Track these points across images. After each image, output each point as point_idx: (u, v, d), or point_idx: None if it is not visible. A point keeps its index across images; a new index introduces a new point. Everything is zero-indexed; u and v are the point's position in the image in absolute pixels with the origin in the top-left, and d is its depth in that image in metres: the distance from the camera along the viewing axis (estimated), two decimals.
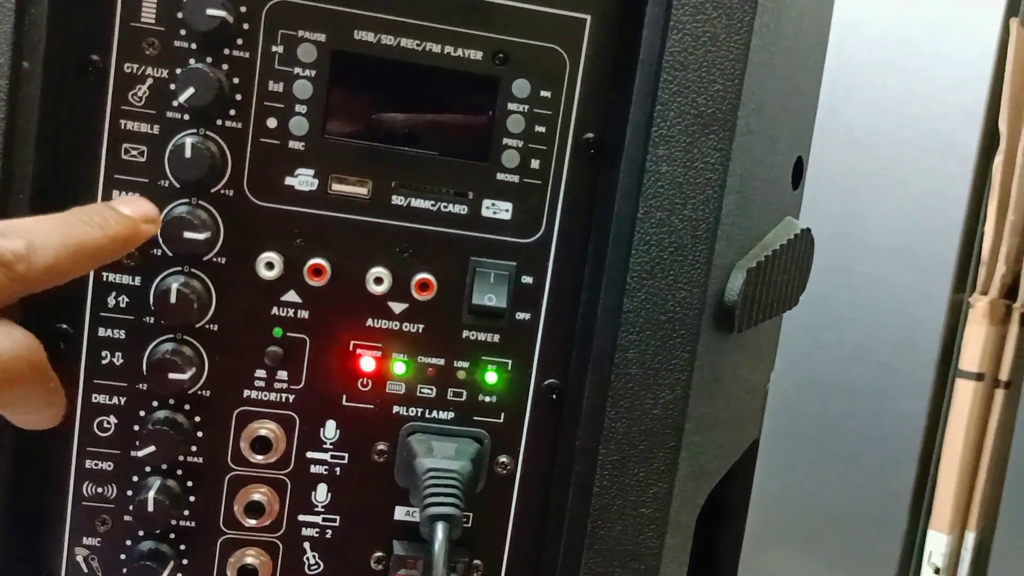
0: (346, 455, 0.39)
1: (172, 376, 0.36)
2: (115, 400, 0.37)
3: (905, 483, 1.08)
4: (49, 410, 0.33)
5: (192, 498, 0.38)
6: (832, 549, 1.11)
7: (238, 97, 0.36)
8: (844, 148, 1.07)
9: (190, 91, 0.35)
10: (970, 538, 1.08)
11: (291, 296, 0.38)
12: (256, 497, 0.38)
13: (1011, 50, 1.01)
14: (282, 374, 0.38)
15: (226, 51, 0.36)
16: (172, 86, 0.36)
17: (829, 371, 1.10)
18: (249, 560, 0.39)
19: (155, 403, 0.37)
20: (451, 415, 0.39)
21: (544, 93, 0.38)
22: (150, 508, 0.36)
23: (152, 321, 0.37)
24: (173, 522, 0.38)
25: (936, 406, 1.07)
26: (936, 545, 1.07)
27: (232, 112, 0.36)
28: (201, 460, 0.38)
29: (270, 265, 0.37)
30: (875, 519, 1.09)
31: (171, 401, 0.37)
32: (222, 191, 0.36)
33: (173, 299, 0.36)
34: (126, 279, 0.37)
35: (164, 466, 0.38)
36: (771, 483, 1.12)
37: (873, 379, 1.08)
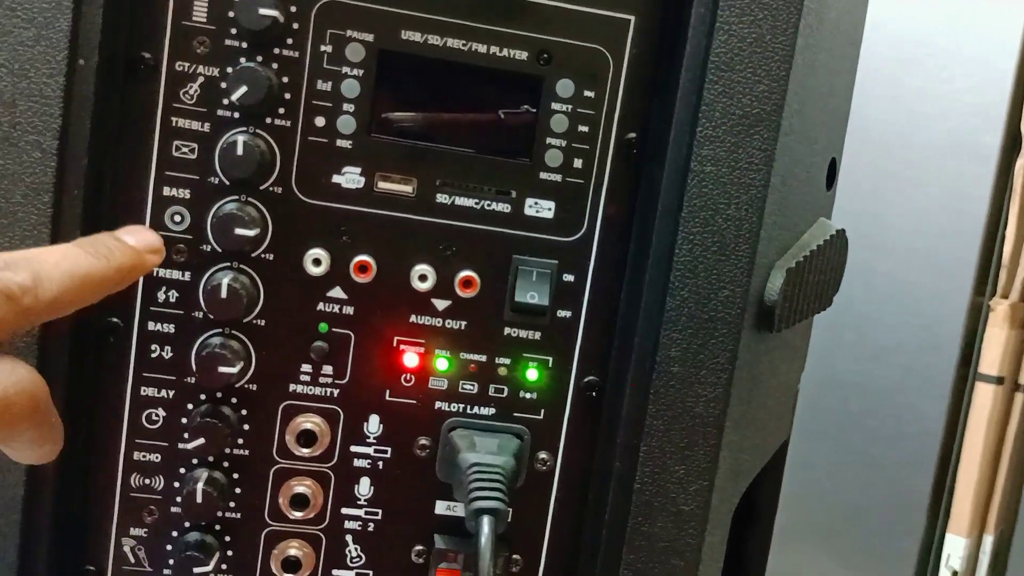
0: (389, 449, 0.39)
1: (221, 370, 0.37)
2: (163, 393, 0.38)
3: (924, 485, 1.07)
4: (47, 446, 0.33)
5: (238, 490, 0.39)
6: (850, 549, 1.11)
7: (287, 96, 0.37)
8: (865, 149, 1.07)
9: (243, 89, 0.35)
10: (988, 542, 1.08)
11: (337, 292, 0.38)
12: (300, 490, 0.39)
13: None
14: (327, 369, 0.39)
15: (276, 50, 0.36)
16: (223, 84, 0.36)
17: (849, 371, 1.10)
18: (293, 552, 0.39)
19: (203, 396, 0.38)
20: (492, 411, 0.40)
21: (588, 93, 0.38)
22: (199, 499, 0.37)
23: (201, 316, 0.37)
24: (219, 514, 0.39)
25: (956, 409, 1.07)
26: (954, 548, 1.07)
27: (281, 111, 0.37)
28: (247, 453, 0.39)
29: (317, 261, 0.37)
30: (893, 520, 1.09)
31: (218, 395, 0.38)
32: (271, 188, 0.37)
33: (224, 294, 0.36)
34: (176, 274, 0.37)
35: (211, 458, 0.38)
36: (790, 482, 1.12)
37: (893, 380, 1.08)
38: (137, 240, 0.34)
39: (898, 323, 1.08)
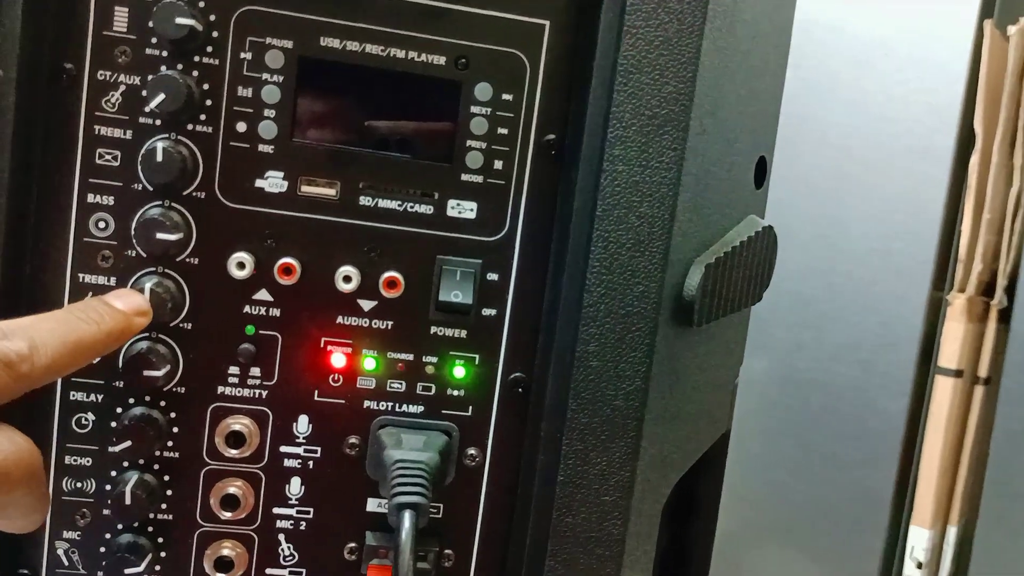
0: (319, 449, 0.40)
1: (147, 373, 0.37)
2: (92, 397, 0.38)
3: (887, 479, 1.09)
4: (35, 515, 0.34)
5: (169, 492, 0.39)
6: (815, 545, 1.12)
7: (208, 102, 0.37)
8: (822, 150, 1.09)
9: (160, 97, 0.36)
10: (952, 532, 1.10)
11: (262, 295, 0.39)
12: (231, 491, 0.39)
13: (985, 52, 1.03)
14: (255, 371, 0.39)
15: (196, 58, 0.37)
16: (144, 92, 0.37)
17: (810, 369, 1.11)
18: (225, 552, 0.40)
19: (131, 400, 0.38)
20: (420, 409, 0.40)
21: (506, 96, 0.39)
22: (128, 501, 0.38)
23: None
24: (151, 515, 0.39)
25: (916, 403, 1.09)
26: (918, 540, 1.08)
27: (202, 117, 0.37)
28: (177, 455, 0.39)
29: (241, 265, 0.38)
30: (857, 515, 1.10)
31: (147, 398, 0.39)
32: (194, 193, 0.38)
33: (147, 298, 0.37)
34: (101, 280, 0.38)
35: (141, 461, 0.39)
36: (754, 480, 1.13)
37: (854, 377, 1.10)
38: (125, 304, 0.36)
39: (858, 321, 1.10)
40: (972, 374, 1.09)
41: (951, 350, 1.07)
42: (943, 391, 1.08)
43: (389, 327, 0.40)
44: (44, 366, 0.32)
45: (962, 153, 1.06)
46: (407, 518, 0.35)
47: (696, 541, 0.57)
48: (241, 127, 0.38)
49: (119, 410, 0.38)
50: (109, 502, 0.38)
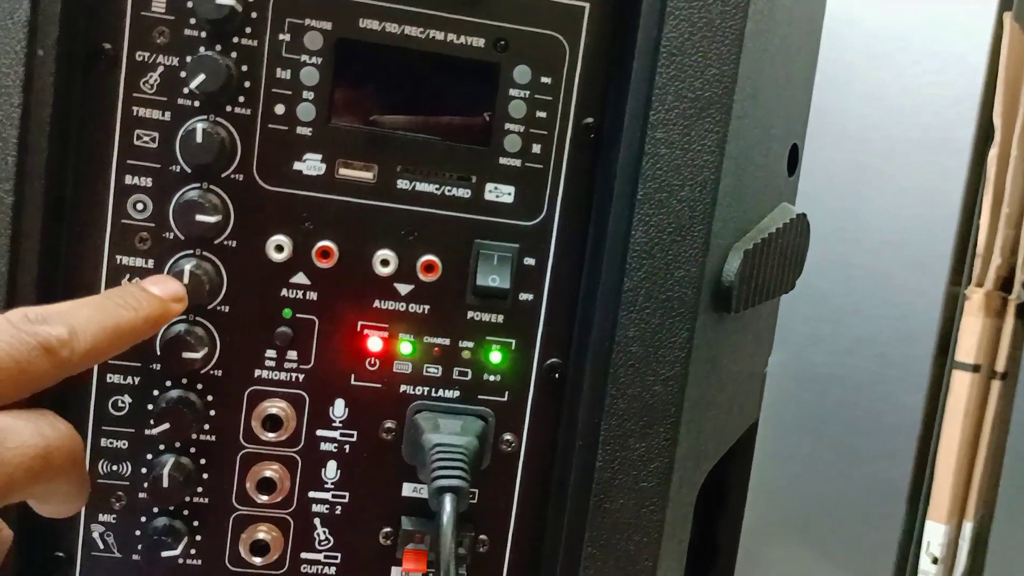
0: (355, 433, 0.40)
1: (185, 355, 0.37)
2: (129, 380, 0.38)
3: (903, 474, 1.09)
4: (75, 502, 0.34)
5: (205, 475, 0.39)
6: (830, 540, 1.12)
7: (247, 84, 0.37)
8: (840, 143, 1.08)
9: (201, 77, 0.36)
10: (968, 528, 1.09)
11: (300, 278, 0.39)
12: (267, 474, 0.39)
13: (1004, 44, 1.02)
14: (292, 354, 0.39)
15: (235, 39, 0.37)
16: (183, 73, 0.37)
17: (827, 363, 1.11)
18: (261, 536, 0.40)
19: (168, 383, 0.38)
20: (456, 394, 0.40)
21: (544, 79, 0.39)
22: (165, 484, 0.37)
23: None
24: (187, 499, 0.39)
25: (933, 397, 1.08)
26: (934, 535, 1.08)
27: (241, 99, 0.37)
28: (213, 438, 0.39)
29: (279, 248, 0.38)
30: (873, 510, 1.10)
31: (184, 380, 0.38)
32: (232, 176, 0.38)
33: (186, 281, 0.37)
34: (139, 262, 0.38)
35: (177, 444, 0.39)
36: (769, 475, 1.13)
37: (870, 371, 1.09)
38: (162, 290, 0.36)
39: (875, 315, 1.09)
40: (989, 369, 1.09)
41: (968, 345, 1.07)
42: (960, 386, 1.07)
43: (426, 311, 0.40)
44: (83, 351, 0.32)
45: (980, 147, 1.06)
46: (448, 502, 0.35)
47: (723, 532, 0.57)
48: (279, 109, 0.37)
49: (156, 392, 0.38)
50: (146, 485, 0.38)
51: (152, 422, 0.38)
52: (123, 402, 0.38)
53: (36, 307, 0.32)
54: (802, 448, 1.12)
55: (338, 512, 0.40)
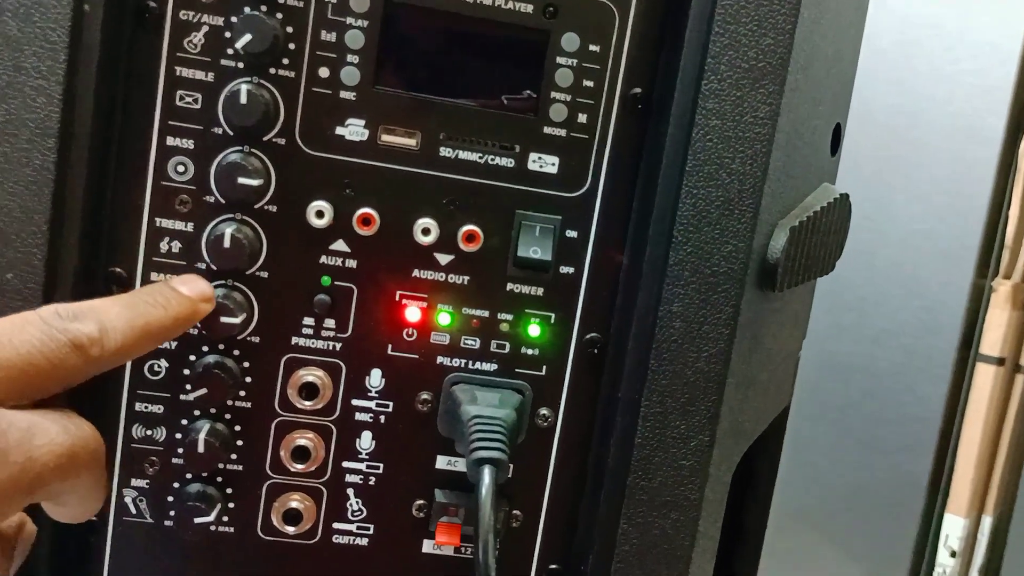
0: (391, 404, 0.39)
1: (223, 320, 0.37)
2: (166, 344, 0.38)
3: (923, 466, 1.08)
4: (93, 504, 0.34)
5: (240, 442, 0.39)
6: (849, 530, 1.11)
7: (291, 46, 0.36)
8: (869, 130, 1.07)
9: (247, 37, 0.35)
10: (987, 522, 1.08)
11: (340, 245, 0.38)
12: (302, 443, 0.39)
13: None
14: (329, 322, 0.39)
15: (280, 0, 0.36)
16: (227, 34, 0.36)
17: (851, 353, 1.10)
18: (294, 504, 0.39)
19: (205, 348, 0.38)
20: (494, 367, 0.40)
21: (593, 47, 0.38)
22: (201, 449, 0.37)
23: (204, 267, 0.37)
24: (220, 465, 0.39)
25: (956, 390, 1.07)
26: (953, 529, 1.07)
27: (285, 61, 0.37)
28: (249, 405, 0.39)
29: (320, 214, 0.37)
30: (893, 501, 1.09)
31: (221, 346, 0.38)
32: (274, 139, 0.37)
33: (226, 244, 0.36)
34: (179, 225, 0.37)
35: (213, 410, 0.38)
36: (790, 464, 1.12)
37: (894, 362, 1.08)
38: (191, 289, 0.36)
39: (900, 305, 1.08)
40: (1014, 362, 1.08)
41: (993, 337, 1.06)
42: (984, 379, 1.06)
43: (465, 282, 0.39)
44: (114, 349, 0.32)
45: (1011, 136, 1.04)
46: (487, 473, 0.35)
47: (752, 515, 0.56)
48: (324, 72, 0.37)
49: (192, 358, 0.38)
50: (181, 450, 0.38)
51: (188, 387, 0.38)
52: (159, 366, 0.38)
53: (68, 304, 0.32)
54: (822, 438, 1.11)
55: (372, 483, 0.40)
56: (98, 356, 0.31)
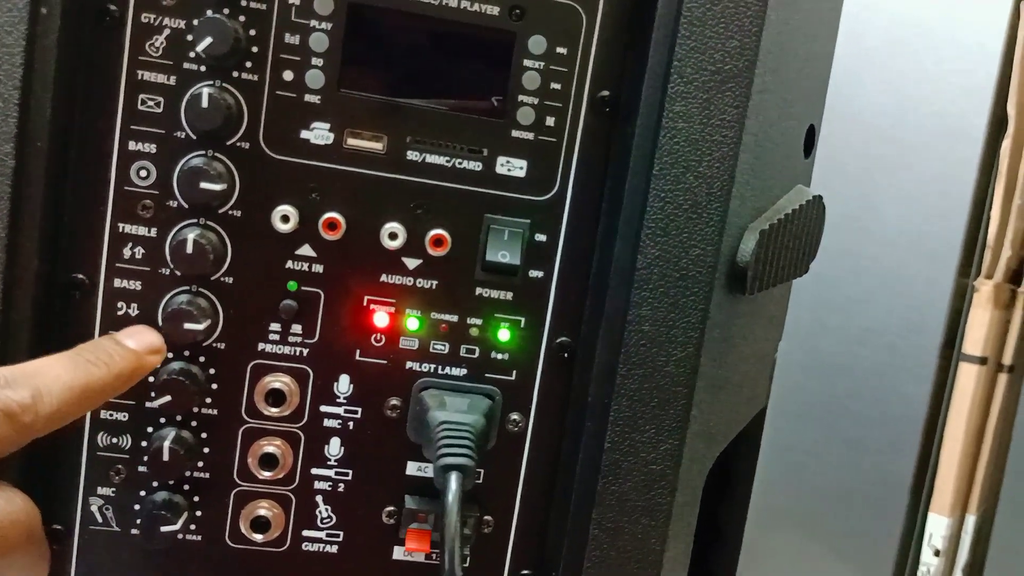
0: (359, 410, 0.39)
1: (187, 327, 0.36)
2: None
3: (907, 465, 1.08)
4: (36, 574, 0.33)
5: (206, 449, 0.38)
6: (833, 530, 1.11)
7: (254, 49, 0.36)
8: (852, 130, 1.07)
9: (208, 40, 0.35)
10: (971, 521, 1.09)
11: (306, 250, 0.38)
12: (270, 450, 0.39)
13: (1021, 33, 1.01)
14: (296, 328, 0.38)
15: (243, 2, 0.36)
16: (189, 37, 0.36)
17: (834, 353, 1.10)
18: (262, 512, 0.39)
19: (170, 354, 0.38)
20: (463, 372, 0.39)
21: (560, 50, 0.38)
22: (165, 457, 0.37)
23: (168, 272, 0.37)
24: (187, 473, 0.38)
25: (939, 389, 1.08)
26: (937, 528, 1.07)
27: (248, 64, 0.36)
28: (215, 412, 0.38)
29: (285, 218, 0.37)
30: (876, 501, 1.09)
31: (186, 353, 0.38)
32: (238, 143, 0.37)
33: (189, 249, 0.36)
34: (142, 230, 0.37)
35: (179, 417, 0.38)
36: (772, 464, 1.12)
37: (877, 361, 1.09)
38: (137, 342, 0.35)
39: (883, 305, 1.09)
40: (996, 362, 1.08)
41: (976, 337, 1.06)
42: (967, 378, 1.06)
43: (434, 287, 0.39)
44: (48, 415, 0.31)
45: (994, 136, 1.04)
46: (454, 480, 0.34)
47: (729, 518, 0.56)
48: (288, 76, 0.36)
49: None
50: (146, 458, 0.38)
51: (153, 394, 0.37)
52: None
53: (2, 368, 0.30)
54: (806, 437, 1.11)
55: (341, 490, 0.40)
56: (30, 424, 0.30)
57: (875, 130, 1.07)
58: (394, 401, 0.39)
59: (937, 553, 1.08)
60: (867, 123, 1.07)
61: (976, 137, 1.04)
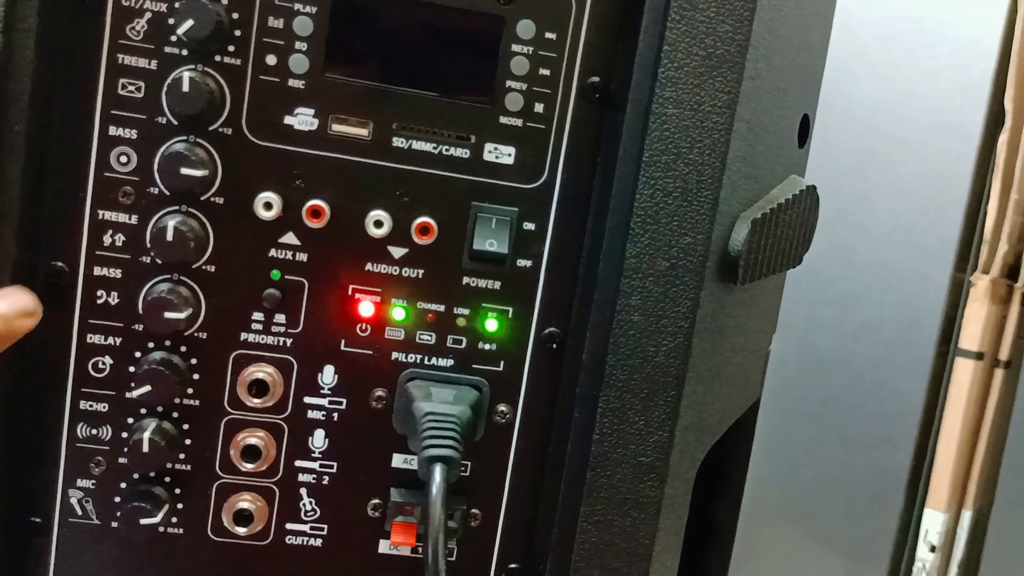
0: (344, 401, 0.38)
1: (168, 315, 0.36)
2: (110, 340, 0.37)
3: (903, 461, 1.07)
4: None
5: (188, 441, 0.38)
6: (829, 526, 1.11)
7: (237, 33, 0.35)
8: (848, 124, 1.06)
9: (189, 23, 0.34)
10: (966, 517, 1.08)
11: (289, 238, 0.37)
12: (252, 441, 0.38)
13: (1018, 28, 1.00)
14: (280, 317, 0.38)
15: None
16: (171, 20, 0.35)
17: (830, 348, 1.09)
18: (245, 505, 0.38)
19: (151, 344, 0.37)
20: (450, 362, 0.39)
21: (549, 35, 0.37)
22: (145, 449, 0.36)
23: (148, 261, 0.36)
24: (168, 465, 0.38)
25: (936, 384, 1.07)
26: (932, 523, 1.07)
27: (231, 48, 0.35)
28: (197, 403, 0.38)
29: (268, 205, 0.36)
30: (872, 496, 1.09)
31: (167, 342, 0.37)
32: (220, 129, 0.36)
33: (170, 236, 0.35)
34: (123, 217, 0.36)
35: (160, 408, 0.37)
36: (769, 459, 1.12)
37: (874, 357, 1.08)
38: (8, 305, 0.32)
39: (879, 300, 1.08)
40: (993, 357, 1.08)
41: (972, 332, 1.06)
42: (963, 373, 1.06)
43: (420, 276, 0.38)
44: None
45: (991, 131, 1.04)
46: (438, 471, 0.34)
47: (723, 511, 0.55)
48: (271, 60, 0.36)
49: (138, 354, 0.37)
50: (126, 450, 0.37)
51: (133, 384, 0.36)
52: (104, 363, 0.37)
53: None
54: (801, 433, 1.11)
55: (325, 482, 0.39)
56: None
57: (872, 125, 1.07)
58: (380, 392, 0.39)
59: (933, 549, 1.08)
60: (863, 118, 1.07)
61: (973, 132, 1.04)
